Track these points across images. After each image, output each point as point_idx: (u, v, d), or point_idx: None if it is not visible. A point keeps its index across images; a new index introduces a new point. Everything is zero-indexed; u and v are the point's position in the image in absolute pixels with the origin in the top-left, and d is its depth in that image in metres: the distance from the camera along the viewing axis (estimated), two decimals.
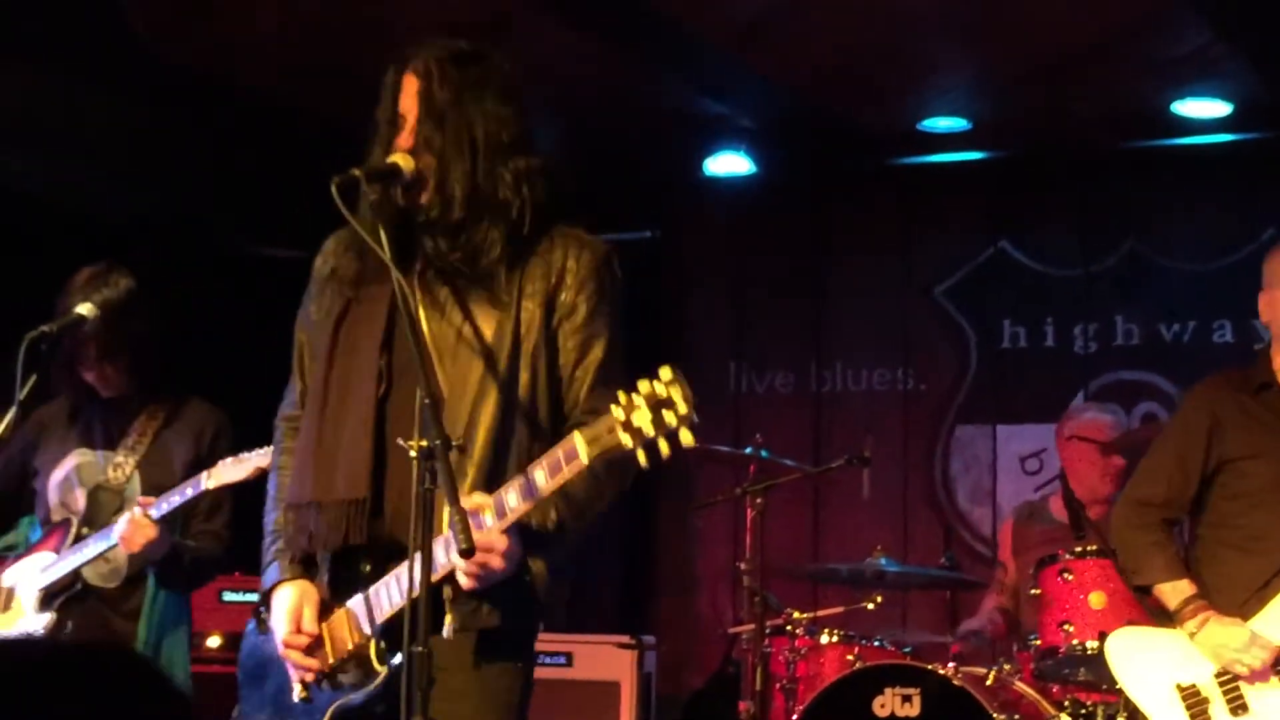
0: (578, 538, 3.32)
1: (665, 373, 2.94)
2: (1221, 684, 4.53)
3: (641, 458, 2.96)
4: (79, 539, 4.66)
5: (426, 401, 3.00)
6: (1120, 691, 4.97)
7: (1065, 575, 5.49)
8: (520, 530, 3.17)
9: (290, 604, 3.34)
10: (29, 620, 4.70)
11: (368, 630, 3.27)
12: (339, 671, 3.32)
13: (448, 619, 3.14)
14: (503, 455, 3.25)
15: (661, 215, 8.65)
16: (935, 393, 8.18)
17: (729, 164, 8.04)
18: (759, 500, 6.21)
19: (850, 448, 6.55)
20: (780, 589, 6.64)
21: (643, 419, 2.92)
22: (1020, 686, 5.72)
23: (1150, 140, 7.74)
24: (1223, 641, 4.51)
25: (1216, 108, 7.36)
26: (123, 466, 4.74)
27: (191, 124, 7.27)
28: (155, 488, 4.62)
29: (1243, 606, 4.55)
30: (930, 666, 5.76)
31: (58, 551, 4.69)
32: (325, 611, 3.34)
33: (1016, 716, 5.62)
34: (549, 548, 3.28)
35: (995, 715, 5.52)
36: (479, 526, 3.07)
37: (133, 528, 4.49)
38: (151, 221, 7.77)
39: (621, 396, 2.94)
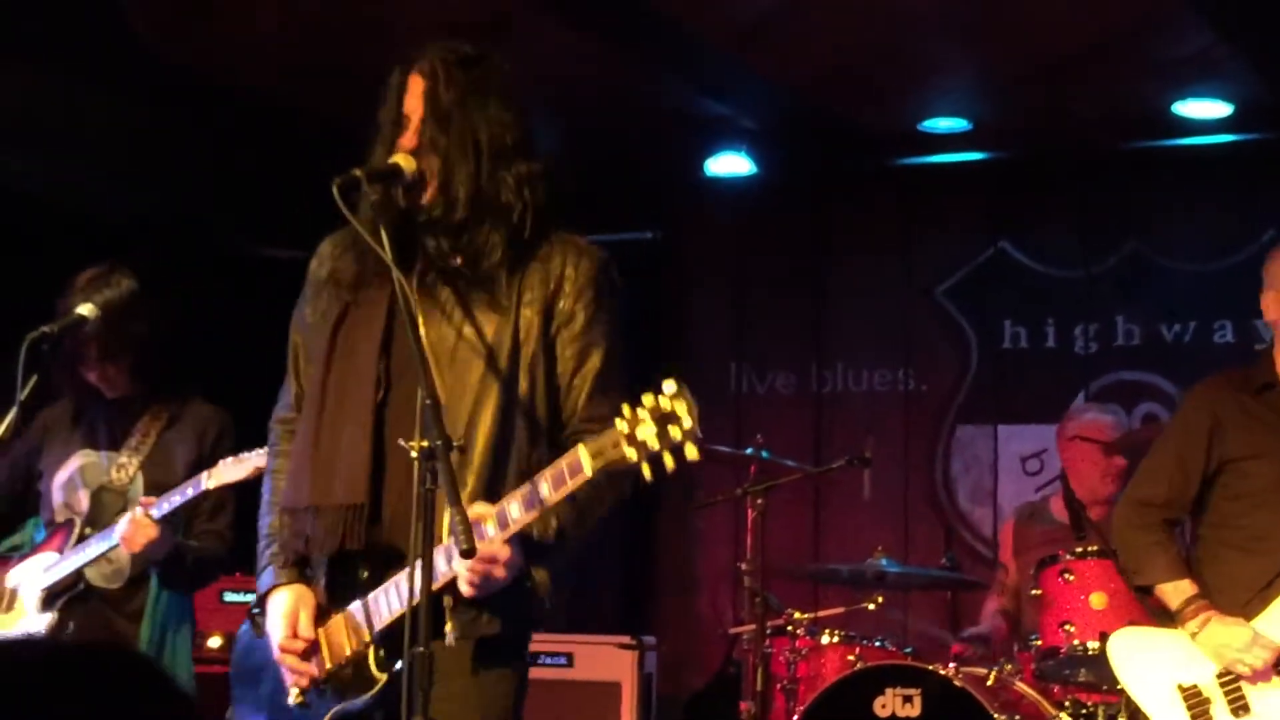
0: (578, 545, 3.33)
1: (669, 386, 2.95)
2: (1223, 684, 4.53)
3: (646, 471, 2.96)
4: (82, 539, 4.67)
5: (428, 402, 3.00)
6: (1121, 692, 4.96)
7: (1066, 576, 5.49)
8: (521, 539, 3.17)
9: (286, 609, 3.33)
10: (31, 620, 4.70)
11: (367, 637, 3.27)
12: (335, 677, 3.31)
13: (448, 627, 3.14)
14: (502, 461, 3.26)
15: (662, 216, 8.65)
16: (936, 393, 8.18)
17: (730, 164, 8.03)
18: (760, 501, 6.21)
19: (851, 448, 6.55)
20: (781, 589, 6.63)
21: (647, 433, 2.92)
22: (1021, 687, 5.71)
23: (1151, 141, 7.74)
24: (1225, 641, 4.50)
25: (1217, 108, 7.35)
26: (126, 467, 4.75)
27: (191, 124, 7.26)
28: (158, 488, 4.62)
29: (1245, 607, 4.54)
30: (931, 667, 5.76)
31: (61, 552, 4.69)
32: (321, 616, 3.34)
33: (1017, 717, 5.62)
34: (550, 556, 3.29)
35: (996, 716, 5.52)
36: (481, 536, 3.07)
37: (134, 528, 4.49)
38: (151, 221, 7.76)
39: (625, 410, 2.95)
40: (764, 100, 7.60)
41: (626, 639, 6.96)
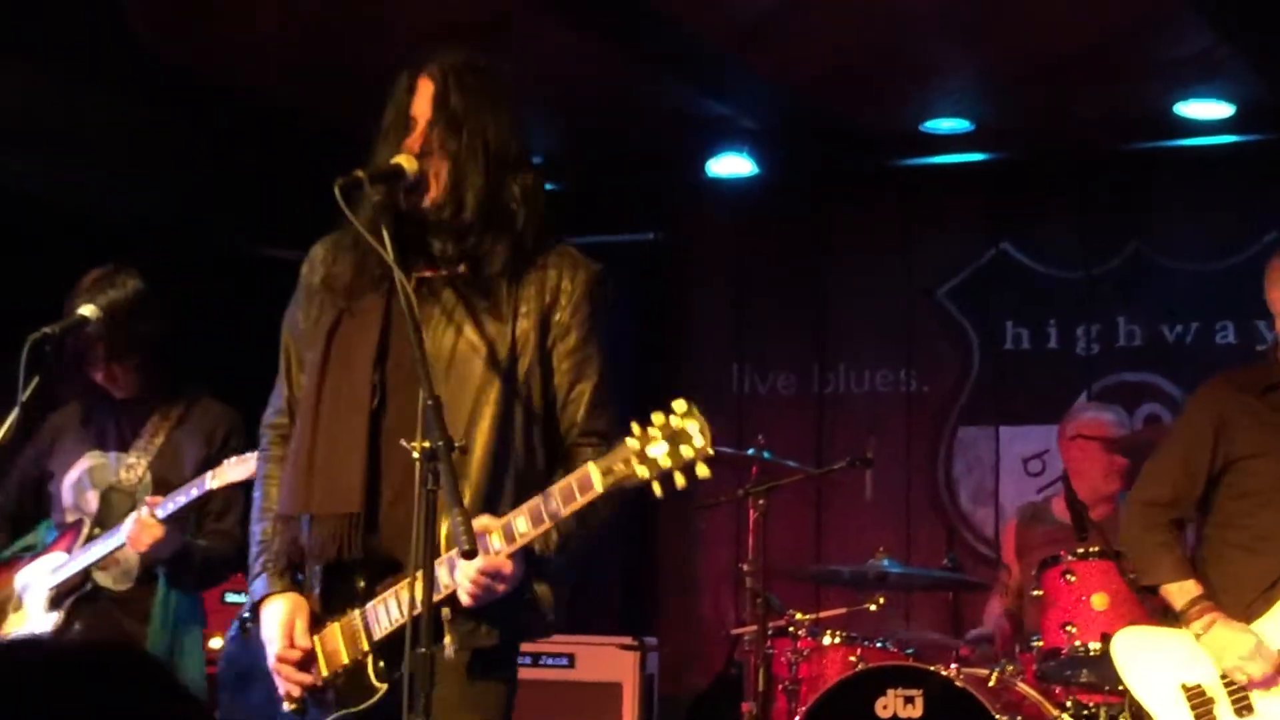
0: (579, 556, 3.35)
1: (680, 405, 2.99)
2: (1227, 684, 4.52)
3: (657, 489, 2.98)
4: (90, 540, 4.67)
5: (429, 402, 3.00)
6: (1123, 693, 4.95)
7: (1068, 576, 5.48)
8: (524, 552, 3.19)
9: (283, 617, 3.33)
10: (38, 620, 4.70)
11: (365, 646, 3.26)
12: (331, 685, 3.31)
13: (447, 639, 3.14)
14: (501, 467, 3.27)
15: (664, 217, 8.65)
16: (938, 394, 8.17)
17: (731, 165, 8.03)
18: (761, 501, 6.20)
19: (853, 449, 6.55)
20: (782, 590, 6.63)
21: (659, 451, 2.95)
22: (1023, 688, 5.71)
23: (1152, 142, 7.73)
24: (1227, 646, 4.49)
25: (1219, 109, 7.35)
26: (135, 467, 4.75)
27: (191, 124, 7.26)
28: (167, 488, 4.63)
29: (1249, 607, 4.54)
30: (933, 668, 5.75)
31: (69, 552, 4.70)
32: (316, 625, 3.33)
33: (1019, 718, 5.61)
34: (551, 569, 3.31)
35: (998, 716, 5.51)
36: (485, 549, 3.08)
37: (139, 528, 4.49)
38: (151, 221, 7.75)
39: (636, 428, 2.98)
40: (764, 101, 7.60)
41: (628, 640, 6.95)
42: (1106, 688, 5.45)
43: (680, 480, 2.97)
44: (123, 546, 4.56)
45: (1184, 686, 4.55)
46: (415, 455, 2.99)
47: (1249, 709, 4.48)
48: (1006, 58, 6.93)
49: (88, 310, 4.55)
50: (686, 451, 2.96)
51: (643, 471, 2.97)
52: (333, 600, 3.33)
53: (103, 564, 4.66)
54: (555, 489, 3.09)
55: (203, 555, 4.68)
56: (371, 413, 3.29)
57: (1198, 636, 4.54)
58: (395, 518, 3.23)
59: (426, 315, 3.28)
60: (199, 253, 7.90)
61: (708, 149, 7.98)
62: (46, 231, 7.10)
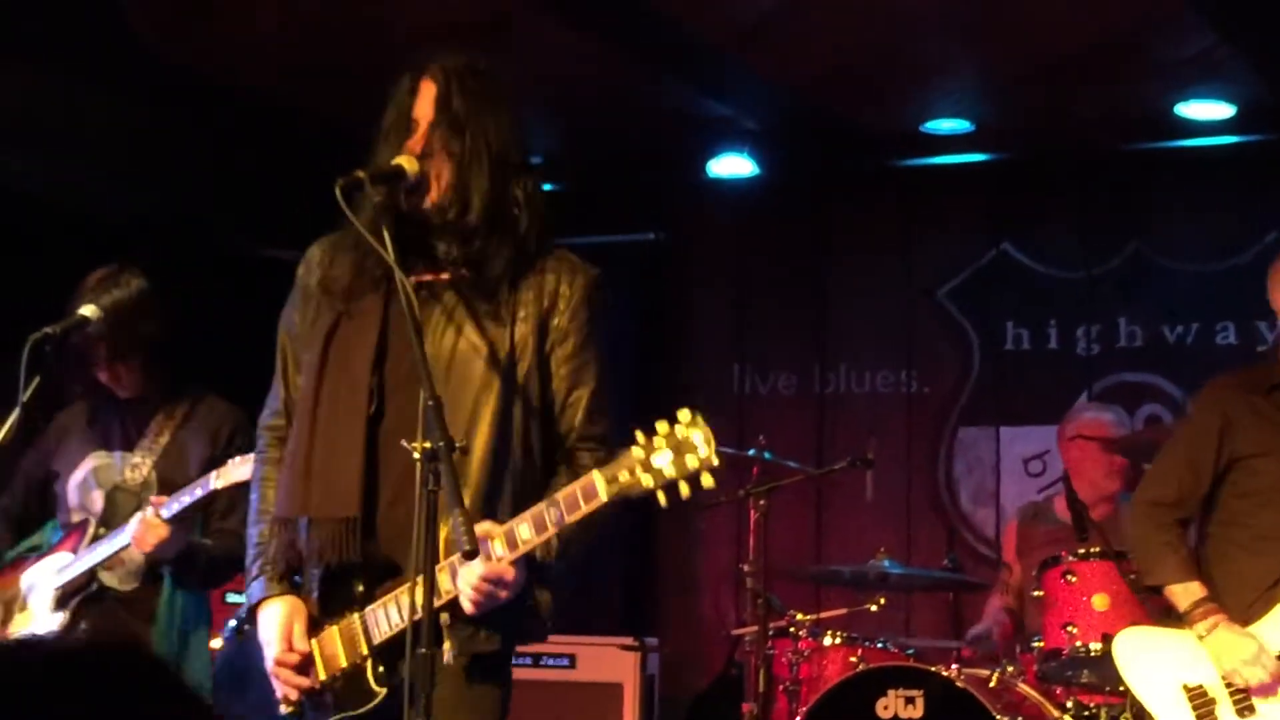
0: (579, 561, 3.36)
1: (685, 414, 3.00)
2: (1228, 685, 4.52)
3: (662, 499, 2.98)
4: (96, 540, 4.67)
5: (430, 403, 2.99)
6: (1124, 693, 4.95)
7: (1068, 577, 5.48)
8: (525, 559, 3.19)
9: (280, 621, 3.32)
10: (44, 621, 4.70)
11: (364, 650, 3.26)
12: (329, 689, 3.30)
13: (446, 645, 3.13)
14: (500, 469, 3.27)
15: (664, 217, 8.64)
16: (938, 394, 8.17)
17: (732, 165, 8.02)
18: (762, 502, 6.20)
19: (853, 449, 6.55)
20: (783, 591, 6.63)
21: (664, 461, 2.95)
22: (1023, 688, 5.70)
23: (1153, 142, 7.73)
24: (1229, 649, 4.49)
25: (1219, 109, 7.34)
26: (140, 467, 4.75)
27: (191, 124, 7.25)
28: (172, 487, 4.63)
29: (1249, 607, 4.54)
30: (934, 668, 5.75)
31: (75, 552, 4.70)
32: (314, 628, 3.33)
33: (1020, 718, 5.61)
34: (552, 576, 3.31)
35: (998, 717, 5.51)
36: (488, 555, 3.08)
37: (144, 528, 4.49)
38: (151, 221, 7.75)
39: (640, 437, 2.98)
40: (764, 101, 7.60)
41: (629, 640, 6.95)
42: (1107, 688, 5.45)
43: (685, 490, 2.98)
44: (128, 547, 4.56)
45: (1186, 687, 4.55)
46: (416, 456, 2.99)
47: (1250, 710, 4.48)
48: (1007, 58, 6.92)
49: (88, 310, 4.55)
50: (691, 461, 2.97)
51: (647, 481, 2.98)
52: (331, 603, 3.32)
53: (108, 564, 4.66)
54: (560, 496, 3.09)
55: (208, 555, 4.67)
56: (369, 416, 3.28)
57: (1201, 638, 4.53)
58: (394, 520, 3.23)
59: (426, 316, 3.28)
60: (199, 253, 7.89)
61: (708, 149, 7.98)
62: (46, 231, 7.10)
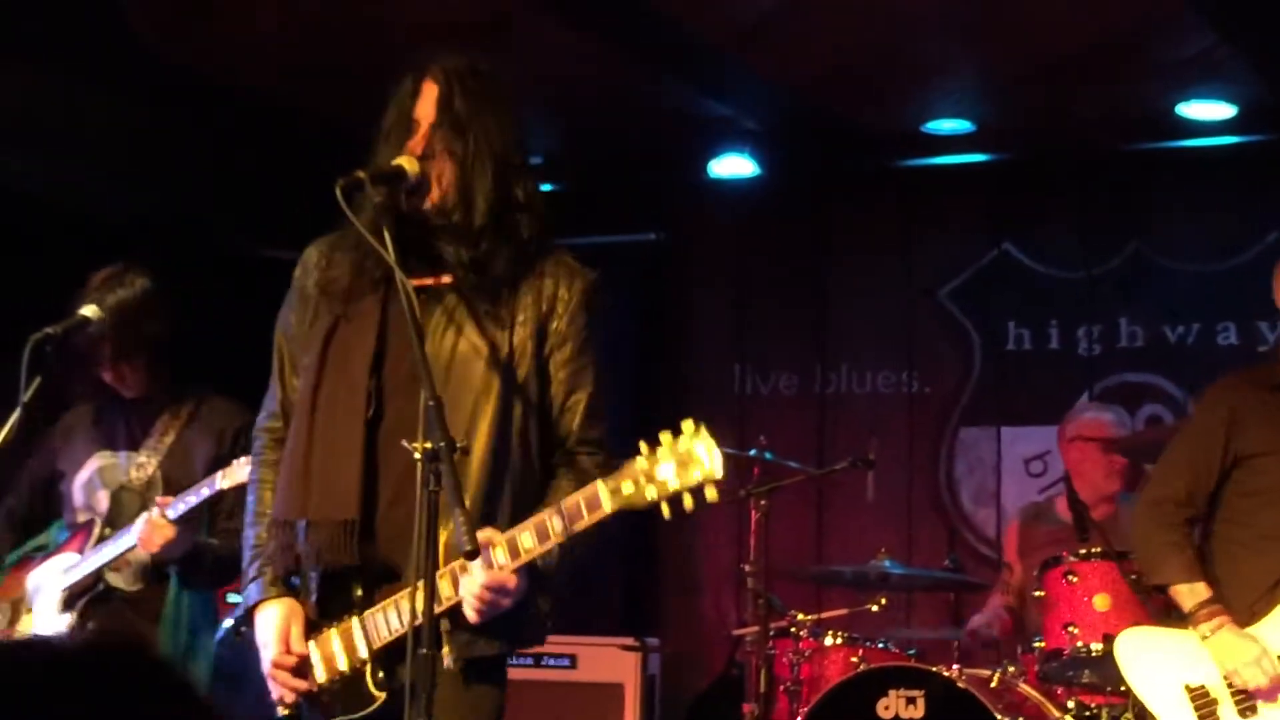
0: (580, 568, 3.36)
1: (689, 426, 3.00)
2: (1230, 685, 4.51)
3: (665, 511, 2.98)
4: (101, 540, 4.67)
5: (431, 403, 2.99)
6: (1125, 694, 4.95)
7: (1070, 577, 5.47)
8: (527, 567, 3.19)
9: (278, 623, 3.32)
10: (51, 621, 4.70)
11: (363, 654, 3.25)
12: (326, 692, 3.30)
13: (445, 651, 3.13)
14: (499, 471, 3.27)
15: (664, 217, 8.63)
16: (939, 395, 8.16)
17: (733, 166, 8.02)
18: (763, 502, 6.20)
19: (854, 450, 6.55)
20: (784, 591, 6.63)
21: (668, 472, 2.95)
22: (1025, 689, 5.70)
23: (1154, 142, 7.72)
24: (1231, 651, 4.49)
25: (1220, 110, 7.34)
26: (145, 467, 4.75)
27: (191, 124, 7.25)
28: (177, 487, 4.63)
29: (1252, 606, 4.54)
30: (935, 668, 5.74)
31: (81, 553, 4.70)
32: (312, 630, 3.32)
33: (1021, 719, 5.60)
34: (552, 583, 3.32)
35: (1000, 717, 5.50)
36: (489, 563, 3.08)
37: (150, 528, 4.49)
38: (151, 221, 7.75)
39: (644, 448, 2.98)
40: (764, 101, 7.59)
41: (630, 640, 6.95)
42: (1109, 689, 5.45)
43: (689, 502, 2.97)
44: (134, 547, 4.55)
45: (1188, 687, 4.55)
46: (417, 456, 2.98)
47: (1252, 710, 4.48)
48: (1007, 58, 6.92)
49: (89, 310, 4.55)
50: (695, 474, 2.97)
51: (651, 493, 2.99)
52: (329, 606, 3.32)
53: (115, 564, 4.66)
54: (563, 506, 3.09)
55: (214, 555, 4.67)
56: (368, 418, 3.28)
57: (1204, 639, 4.53)
58: (393, 521, 3.23)
59: (427, 317, 3.28)
60: (199, 253, 7.89)
61: (709, 149, 7.97)
62: (46, 231, 7.10)
